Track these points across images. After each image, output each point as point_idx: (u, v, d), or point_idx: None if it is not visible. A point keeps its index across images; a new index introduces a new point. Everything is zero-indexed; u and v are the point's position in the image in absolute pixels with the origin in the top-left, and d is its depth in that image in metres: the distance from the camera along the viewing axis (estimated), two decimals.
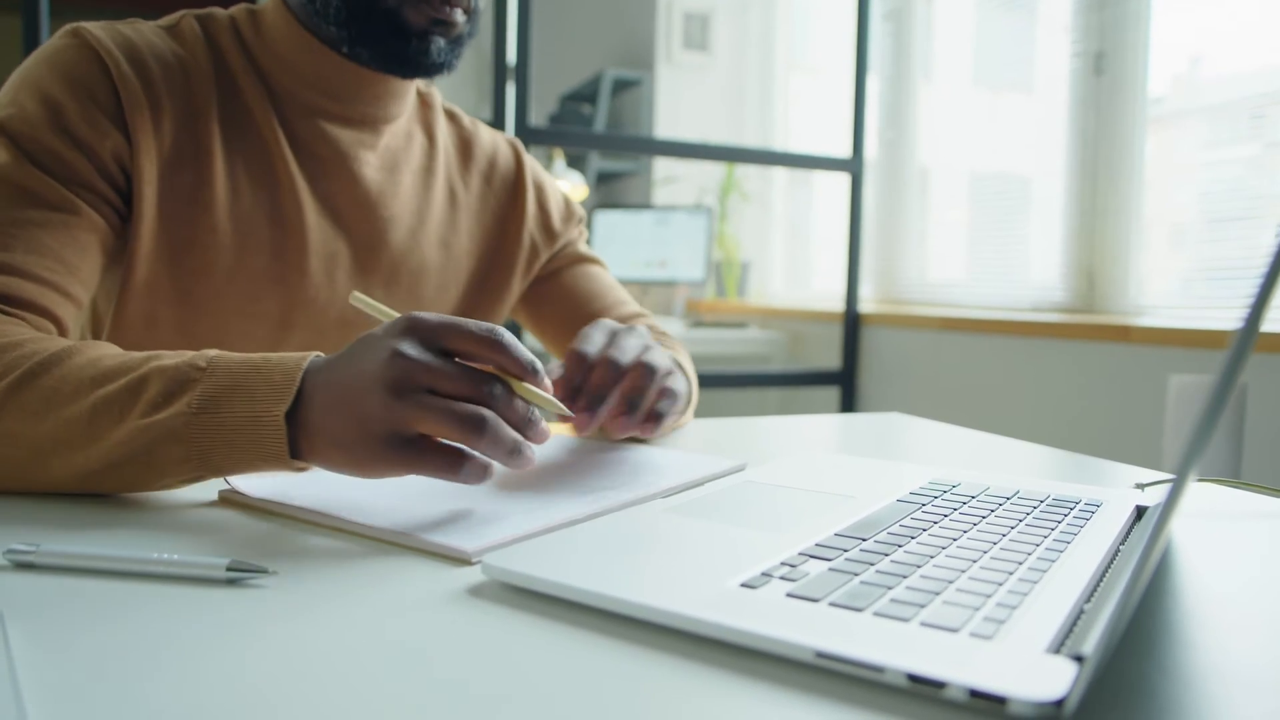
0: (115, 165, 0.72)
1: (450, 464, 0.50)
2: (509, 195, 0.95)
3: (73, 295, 0.70)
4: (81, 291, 0.71)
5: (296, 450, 0.52)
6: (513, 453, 0.51)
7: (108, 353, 0.58)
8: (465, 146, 0.94)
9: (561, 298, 0.97)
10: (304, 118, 0.80)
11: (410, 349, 0.51)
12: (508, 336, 0.53)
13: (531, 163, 0.98)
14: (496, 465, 0.53)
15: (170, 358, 0.55)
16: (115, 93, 0.72)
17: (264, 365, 0.53)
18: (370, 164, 0.84)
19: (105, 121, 0.71)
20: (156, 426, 0.52)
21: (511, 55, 2.07)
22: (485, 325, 0.53)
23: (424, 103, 0.91)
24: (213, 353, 0.55)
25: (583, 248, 1.01)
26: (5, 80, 0.74)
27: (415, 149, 0.88)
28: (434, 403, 0.50)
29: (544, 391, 0.55)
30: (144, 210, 0.74)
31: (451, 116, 0.95)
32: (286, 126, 0.80)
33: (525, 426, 0.53)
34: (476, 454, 0.51)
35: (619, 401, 0.67)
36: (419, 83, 0.88)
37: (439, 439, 0.51)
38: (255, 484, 0.58)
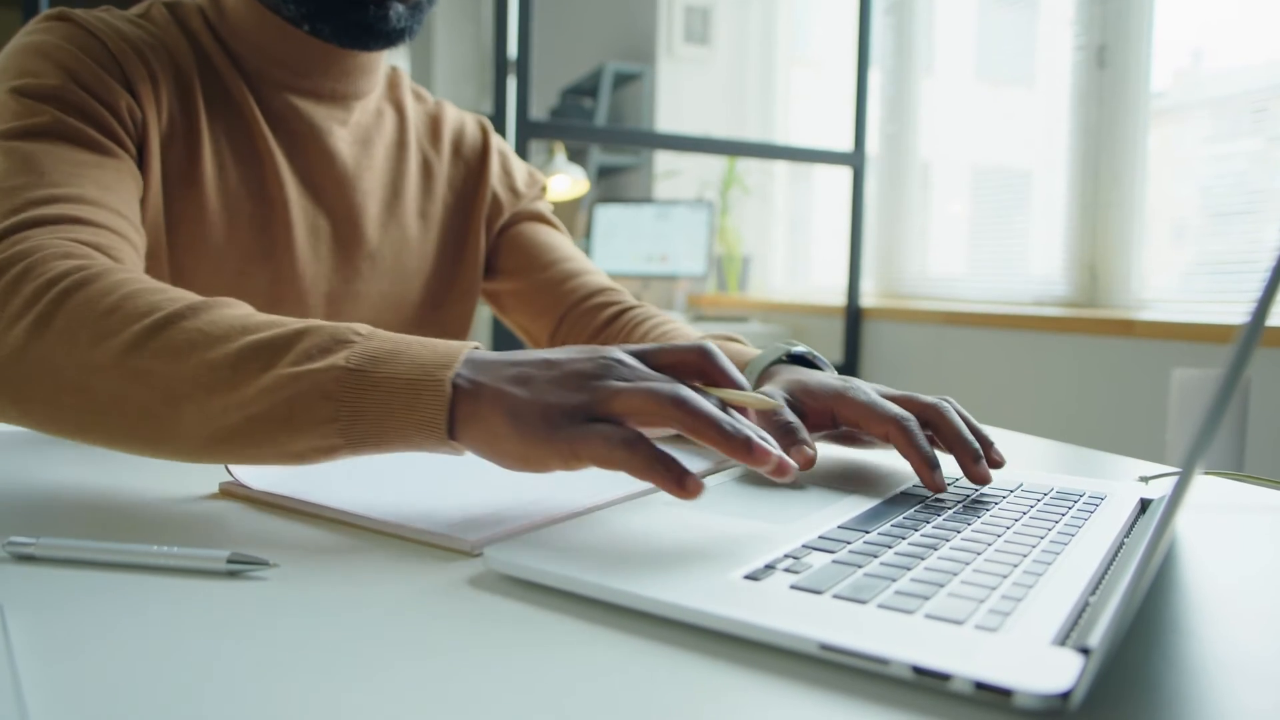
0: (132, 124, 0.73)
1: (649, 460, 0.44)
2: (478, 161, 0.96)
3: (140, 232, 0.70)
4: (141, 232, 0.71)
5: (454, 425, 0.48)
6: (717, 426, 0.45)
7: (255, 310, 0.56)
8: (434, 121, 0.95)
9: (519, 249, 0.96)
10: (276, 95, 0.81)
11: (618, 353, 0.49)
12: (714, 347, 0.51)
13: (496, 136, 0.99)
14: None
15: (326, 322, 0.52)
16: (119, 64, 0.73)
17: (428, 340, 0.51)
18: (344, 139, 0.85)
19: (116, 85, 0.72)
20: (307, 378, 0.48)
21: (512, 49, 2.06)
22: (693, 342, 0.51)
23: (392, 81, 0.92)
24: (369, 327, 0.52)
25: (546, 211, 1.00)
26: None
27: (387, 124, 0.89)
28: (633, 384, 0.46)
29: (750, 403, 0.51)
30: (150, 179, 0.74)
31: (418, 95, 0.96)
32: (262, 104, 0.81)
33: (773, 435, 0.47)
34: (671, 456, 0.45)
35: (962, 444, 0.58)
36: (386, 61, 0.89)
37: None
38: (256, 475, 0.58)
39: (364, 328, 0.51)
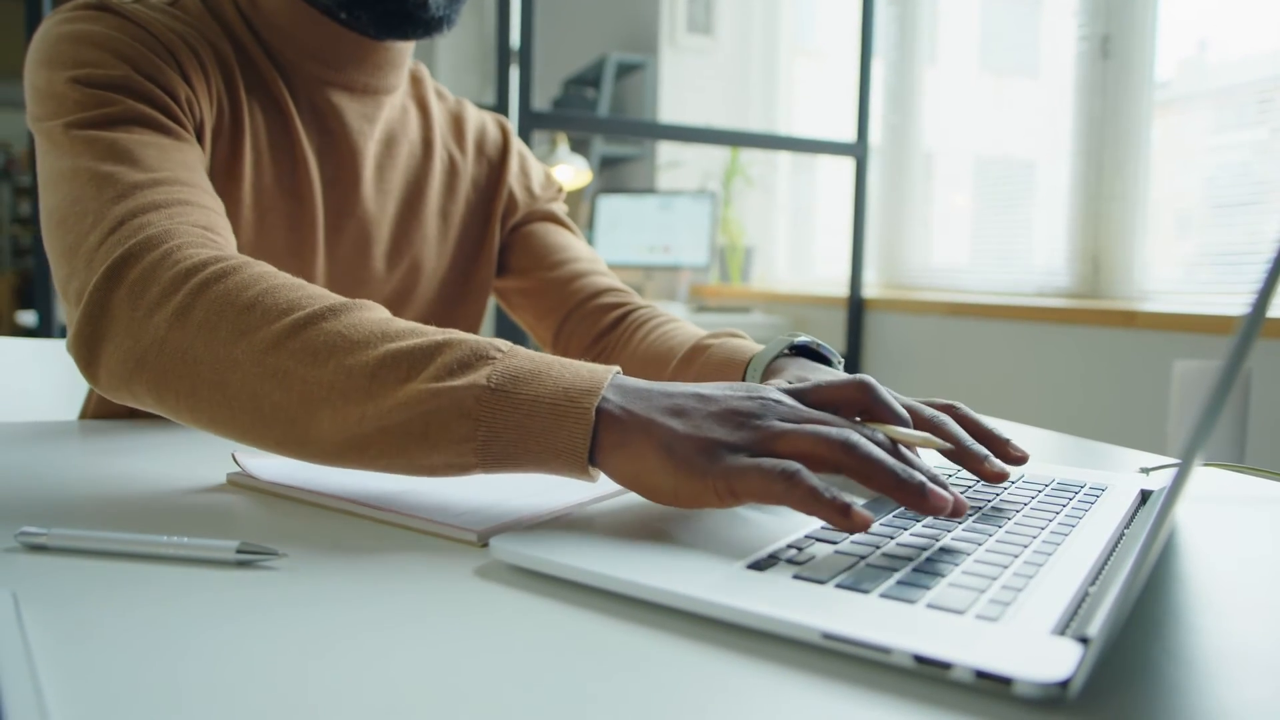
0: (191, 115, 0.72)
1: (811, 491, 0.42)
2: (499, 160, 0.96)
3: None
4: None
5: (597, 452, 0.46)
6: (891, 473, 0.43)
7: (393, 316, 0.54)
8: (457, 120, 0.95)
9: (528, 248, 0.96)
10: (312, 89, 0.80)
11: (775, 392, 0.48)
12: (874, 382, 0.50)
13: (516, 137, 0.99)
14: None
15: (466, 334, 0.50)
16: (173, 55, 0.71)
17: (569, 361, 0.49)
18: (371, 138, 0.84)
19: (175, 76, 0.71)
20: (446, 394, 0.47)
21: (515, 39, 2.06)
22: (851, 375, 0.50)
23: (415, 79, 0.92)
24: (509, 344, 0.50)
25: (560, 212, 1.00)
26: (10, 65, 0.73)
27: (411, 122, 0.89)
28: (799, 426, 0.45)
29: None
30: None
31: (439, 93, 0.96)
32: (296, 99, 0.80)
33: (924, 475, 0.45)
34: (839, 493, 0.42)
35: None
36: (410, 59, 0.88)
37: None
38: (264, 466, 0.58)
39: (504, 344, 0.50)
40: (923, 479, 0.44)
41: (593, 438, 0.46)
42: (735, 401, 0.47)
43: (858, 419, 0.50)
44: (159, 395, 0.54)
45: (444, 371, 0.47)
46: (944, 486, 0.45)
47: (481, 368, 0.48)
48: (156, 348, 0.53)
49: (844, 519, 0.41)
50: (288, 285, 0.54)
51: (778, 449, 0.45)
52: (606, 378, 0.48)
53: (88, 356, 0.56)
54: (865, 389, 0.49)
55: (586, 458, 0.46)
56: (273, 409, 0.50)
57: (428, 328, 0.51)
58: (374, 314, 0.53)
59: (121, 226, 0.58)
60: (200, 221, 0.62)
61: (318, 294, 0.54)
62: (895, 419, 0.49)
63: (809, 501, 0.42)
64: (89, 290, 0.56)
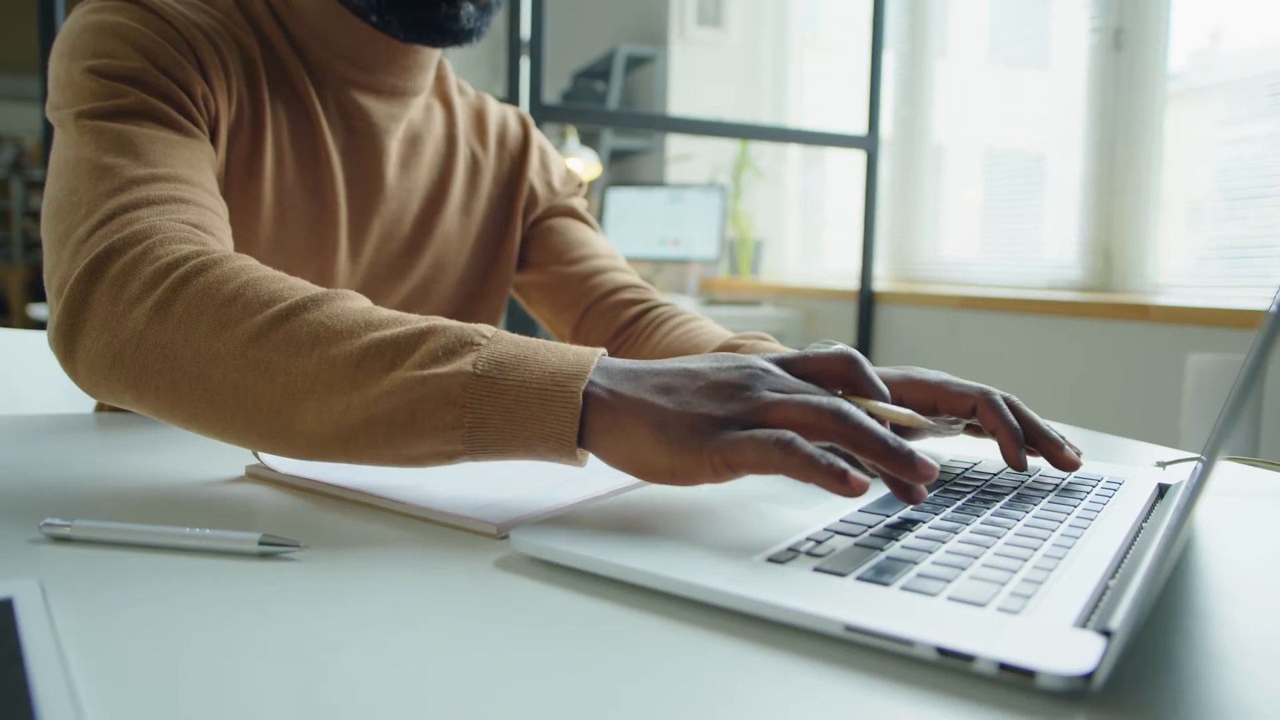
0: (206, 111, 0.72)
1: (807, 459, 0.42)
2: (520, 154, 0.97)
3: (226, 212, 0.69)
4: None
5: (587, 435, 0.46)
6: (882, 441, 0.43)
7: (377, 305, 0.53)
8: (479, 116, 0.95)
9: (547, 243, 0.96)
10: (339, 90, 0.81)
11: (763, 362, 0.48)
12: (860, 356, 0.49)
13: (537, 131, 1.00)
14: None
15: (450, 321, 0.50)
16: (193, 50, 0.71)
17: (555, 344, 0.49)
18: (396, 137, 0.84)
19: (193, 71, 0.71)
20: (432, 381, 0.46)
21: (526, 30, 2.06)
22: (836, 347, 0.50)
23: (439, 75, 0.92)
24: (493, 329, 0.50)
25: (580, 208, 1.00)
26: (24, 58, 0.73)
27: (436, 120, 0.89)
28: (789, 396, 0.45)
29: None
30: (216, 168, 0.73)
31: (461, 89, 0.96)
32: (323, 99, 0.80)
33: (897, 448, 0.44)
34: (837, 460, 0.42)
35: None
36: (436, 60, 0.89)
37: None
38: (283, 459, 0.58)
39: (489, 329, 0.49)
40: (912, 448, 0.43)
41: (582, 422, 0.46)
42: (723, 374, 0.47)
43: (840, 393, 0.49)
44: (138, 391, 0.53)
45: (429, 359, 0.47)
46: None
47: (467, 354, 0.47)
48: (135, 342, 0.52)
49: (842, 484, 0.41)
50: (269, 278, 0.54)
51: (769, 419, 0.44)
52: (593, 360, 0.47)
53: (66, 350, 0.56)
54: (850, 363, 0.49)
55: (575, 442, 0.46)
56: (256, 402, 0.49)
57: (411, 315, 0.51)
58: (356, 303, 0.52)
59: (111, 220, 0.58)
60: (191, 219, 0.61)
61: (299, 285, 0.53)
62: (878, 394, 0.49)
63: (806, 468, 0.42)
64: (70, 283, 0.56)
